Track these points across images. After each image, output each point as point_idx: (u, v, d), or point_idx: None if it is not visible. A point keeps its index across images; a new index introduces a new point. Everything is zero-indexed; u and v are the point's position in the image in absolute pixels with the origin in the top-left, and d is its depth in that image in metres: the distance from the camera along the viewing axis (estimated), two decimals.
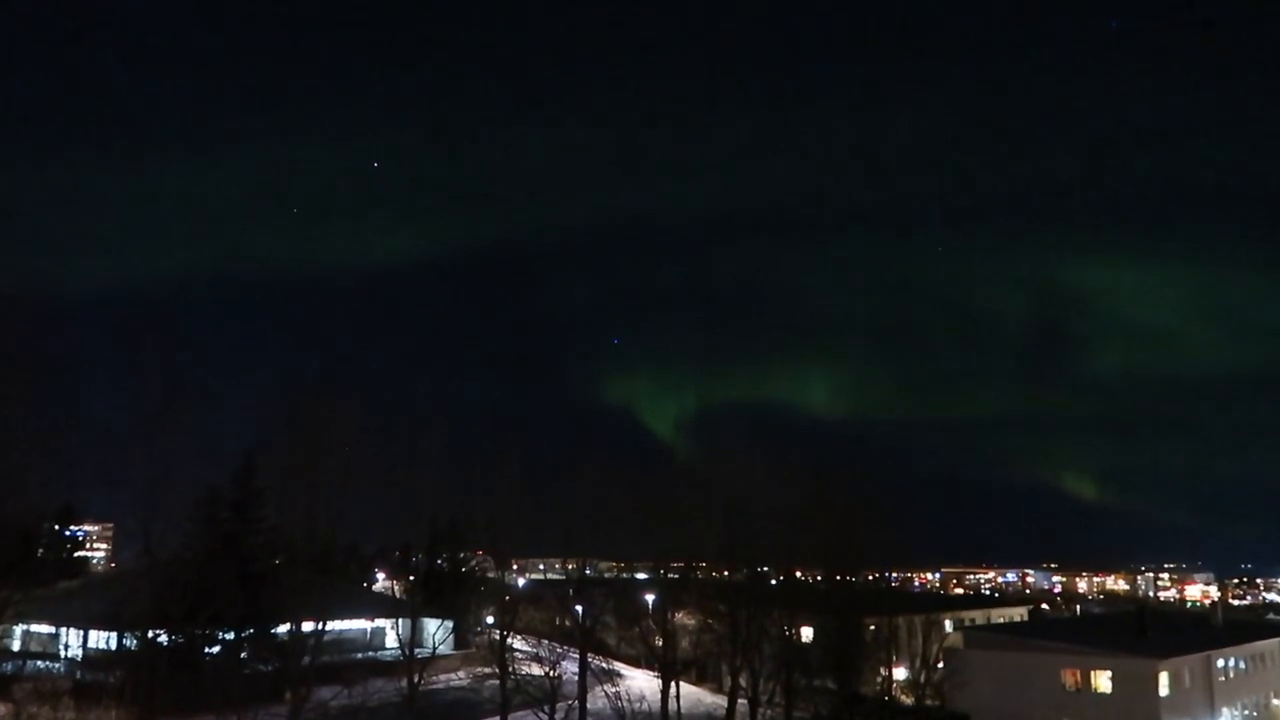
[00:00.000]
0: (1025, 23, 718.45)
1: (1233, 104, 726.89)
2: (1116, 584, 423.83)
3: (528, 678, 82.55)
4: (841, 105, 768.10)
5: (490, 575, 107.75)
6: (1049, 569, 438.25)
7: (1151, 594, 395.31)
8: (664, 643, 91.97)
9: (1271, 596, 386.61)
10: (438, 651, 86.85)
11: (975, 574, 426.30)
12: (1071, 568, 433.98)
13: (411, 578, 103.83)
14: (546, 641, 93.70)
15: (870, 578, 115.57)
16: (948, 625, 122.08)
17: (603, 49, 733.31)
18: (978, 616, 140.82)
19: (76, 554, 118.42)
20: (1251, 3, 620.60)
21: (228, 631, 74.52)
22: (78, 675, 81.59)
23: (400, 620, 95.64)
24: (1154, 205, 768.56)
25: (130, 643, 70.55)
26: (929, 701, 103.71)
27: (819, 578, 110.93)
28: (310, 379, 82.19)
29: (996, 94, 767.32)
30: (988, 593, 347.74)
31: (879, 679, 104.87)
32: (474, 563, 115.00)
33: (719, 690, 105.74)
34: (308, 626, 70.76)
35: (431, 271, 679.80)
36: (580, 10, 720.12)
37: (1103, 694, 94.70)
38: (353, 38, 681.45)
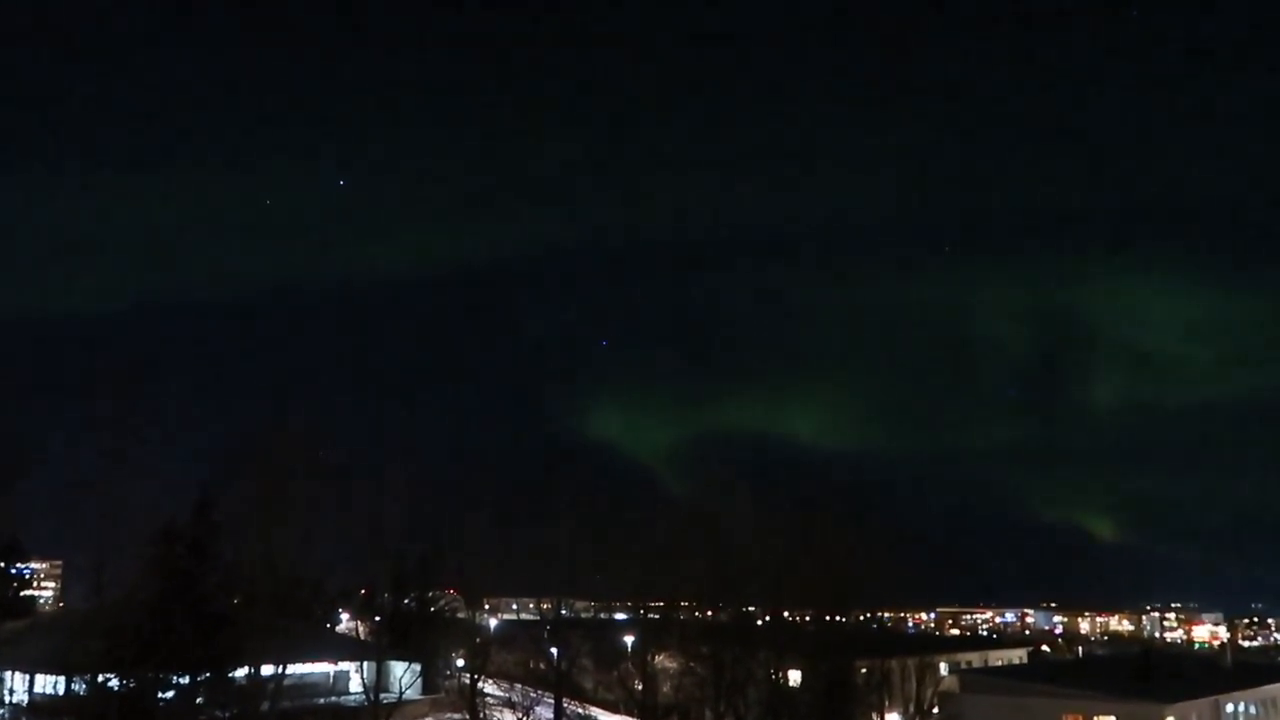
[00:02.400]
0: (1031, 26, 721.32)
1: (1249, 110, 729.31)
2: (1121, 624, 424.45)
3: None
4: (836, 123, 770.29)
5: (460, 615, 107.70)
6: (1049, 609, 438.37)
7: (1157, 635, 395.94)
8: (644, 686, 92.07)
9: None
10: (405, 696, 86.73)
11: (972, 614, 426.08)
12: (1073, 607, 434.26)
13: (377, 618, 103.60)
14: (519, 685, 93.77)
15: (861, 618, 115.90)
16: (943, 668, 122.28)
17: (587, 65, 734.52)
18: (974, 659, 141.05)
19: (23, 593, 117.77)
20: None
21: (183, 676, 74.04)
22: None
23: (365, 663, 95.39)
24: (1160, 227, 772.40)
25: (79, 687, 70.18)
26: None
27: (807, 618, 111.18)
28: (272, 408, 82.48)
29: (997, 109, 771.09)
30: (985, 634, 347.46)
31: None
32: (443, 602, 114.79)
33: None
34: (267, 670, 70.67)
35: (402, 295, 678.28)
36: (565, 29, 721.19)
37: None
38: (322, 51, 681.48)
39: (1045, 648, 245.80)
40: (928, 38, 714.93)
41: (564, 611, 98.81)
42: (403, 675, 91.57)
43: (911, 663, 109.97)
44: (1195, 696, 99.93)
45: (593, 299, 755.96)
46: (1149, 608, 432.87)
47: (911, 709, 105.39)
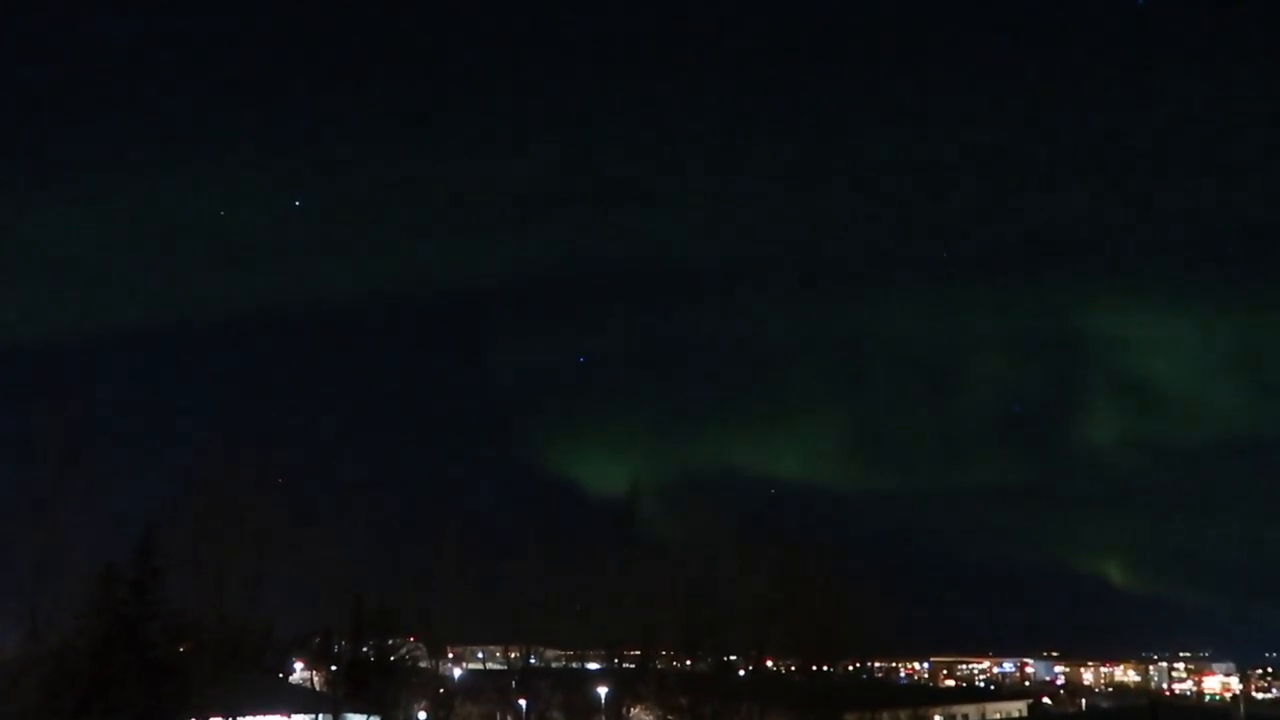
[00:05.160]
0: (1027, 44, 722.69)
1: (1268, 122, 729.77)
2: (1126, 675, 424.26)
3: None
4: (818, 148, 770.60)
5: (423, 665, 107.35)
6: (1051, 658, 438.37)
7: (1165, 686, 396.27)
8: None
9: None
10: None
11: (968, 664, 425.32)
12: (1076, 656, 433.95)
13: (333, 667, 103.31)
14: None
15: (850, 668, 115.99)
16: None
17: (559, 84, 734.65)
18: (971, 712, 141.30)
19: None
20: None
21: None
22: None
23: (320, 715, 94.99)
24: (1174, 249, 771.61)
25: None
26: None
27: (792, 668, 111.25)
28: (221, 441, 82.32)
29: (996, 114, 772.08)
30: (982, 685, 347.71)
31: None
32: (404, 650, 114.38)
33: None
34: None
35: (359, 321, 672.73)
36: (537, 47, 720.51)
37: None
38: (277, 63, 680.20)
39: (1046, 700, 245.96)
40: (916, 58, 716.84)
41: (533, 660, 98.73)
42: None
43: (904, 715, 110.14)
44: None
45: (564, 327, 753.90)
46: (1156, 657, 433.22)
47: None
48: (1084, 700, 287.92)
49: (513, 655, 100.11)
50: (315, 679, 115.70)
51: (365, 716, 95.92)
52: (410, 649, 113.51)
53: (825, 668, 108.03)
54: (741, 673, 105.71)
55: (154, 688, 71.97)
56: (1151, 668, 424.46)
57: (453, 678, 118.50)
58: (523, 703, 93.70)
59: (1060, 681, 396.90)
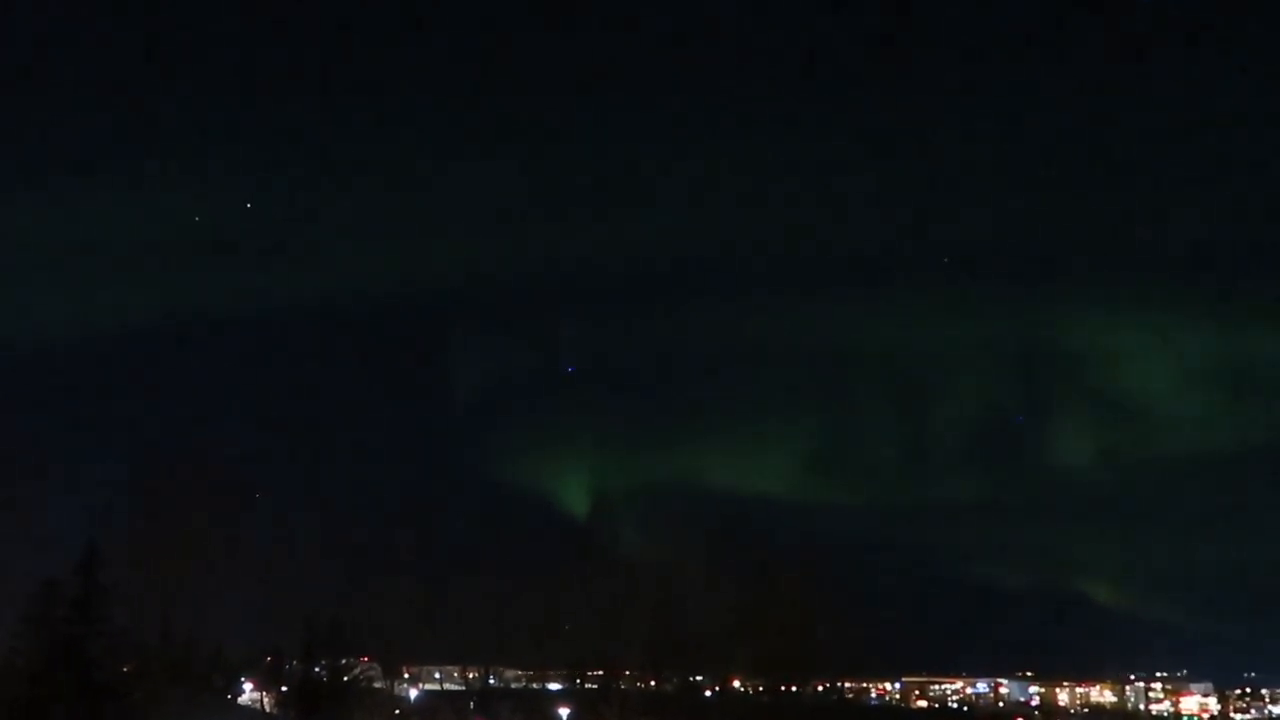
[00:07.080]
0: (1010, 52, 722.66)
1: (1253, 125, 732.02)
2: (1102, 695, 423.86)
3: None
4: (789, 142, 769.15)
5: (377, 685, 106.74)
6: (1025, 678, 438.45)
7: (1142, 706, 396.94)
8: None
9: (1279, 710, 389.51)
10: None
11: (941, 684, 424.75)
12: (1051, 677, 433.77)
13: (284, 688, 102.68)
14: None
15: (819, 689, 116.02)
16: None
17: (524, 83, 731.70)
18: None
19: None
20: None
21: None
22: None
23: None
24: (1147, 257, 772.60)
25: None
26: None
27: (760, 689, 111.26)
28: (167, 455, 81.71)
29: (965, 132, 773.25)
30: (955, 706, 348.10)
31: None
32: (358, 671, 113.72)
33: None
34: None
35: (314, 327, 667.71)
36: (518, 48, 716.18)
37: None
38: (234, 53, 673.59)
39: None
40: (893, 67, 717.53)
41: (492, 681, 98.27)
42: None
43: None
44: None
45: (528, 337, 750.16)
46: (1133, 677, 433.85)
47: None
48: None
49: (471, 675, 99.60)
50: (265, 700, 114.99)
51: None
52: (364, 669, 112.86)
53: (794, 688, 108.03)
54: (708, 693, 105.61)
55: (97, 710, 71.28)
56: (1128, 688, 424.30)
57: (408, 699, 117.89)
58: None
59: (1035, 702, 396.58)
